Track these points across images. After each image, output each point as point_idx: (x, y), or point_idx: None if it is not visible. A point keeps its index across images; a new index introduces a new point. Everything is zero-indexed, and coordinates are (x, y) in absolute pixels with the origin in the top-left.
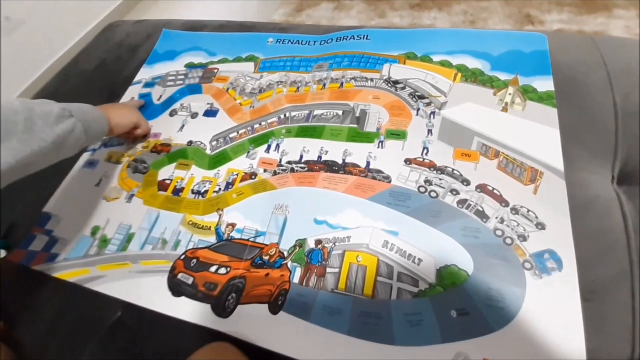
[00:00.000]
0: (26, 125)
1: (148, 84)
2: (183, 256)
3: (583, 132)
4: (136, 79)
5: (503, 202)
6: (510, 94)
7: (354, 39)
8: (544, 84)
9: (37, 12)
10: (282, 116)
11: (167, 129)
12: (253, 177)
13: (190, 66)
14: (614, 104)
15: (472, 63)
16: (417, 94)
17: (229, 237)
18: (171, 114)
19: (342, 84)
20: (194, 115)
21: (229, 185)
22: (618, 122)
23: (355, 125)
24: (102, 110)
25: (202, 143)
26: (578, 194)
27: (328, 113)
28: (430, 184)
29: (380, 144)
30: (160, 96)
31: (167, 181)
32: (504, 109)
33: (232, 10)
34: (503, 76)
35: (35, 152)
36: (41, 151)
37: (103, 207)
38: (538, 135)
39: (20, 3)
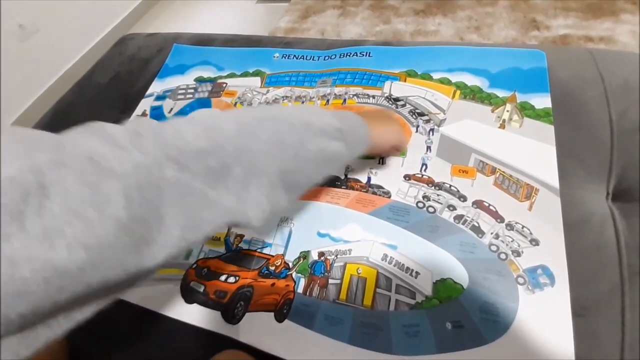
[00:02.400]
0: (295, 152)
1: (159, 97)
2: (195, 265)
3: (579, 149)
4: (148, 92)
5: (498, 218)
6: (508, 111)
7: (356, 55)
8: (542, 101)
9: (51, 20)
10: None
11: None
12: None
13: (199, 80)
14: (610, 121)
15: (471, 80)
16: (417, 111)
17: (238, 248)
18: None
19: (345, 100)
20: None
21: None
22: (614, 139)
23: None
24: (367, 124)
25: None
26: (572, 211)
27: None
28: (429, 199)
29: (380, 160)
30: (171, 109)
31: None
32: (502, 126)
33: (239, 17)
34: (501, 93)
35: (290, 188)
36: (296, 187)
37: None
38: (534, 152)
39: (34, 11)
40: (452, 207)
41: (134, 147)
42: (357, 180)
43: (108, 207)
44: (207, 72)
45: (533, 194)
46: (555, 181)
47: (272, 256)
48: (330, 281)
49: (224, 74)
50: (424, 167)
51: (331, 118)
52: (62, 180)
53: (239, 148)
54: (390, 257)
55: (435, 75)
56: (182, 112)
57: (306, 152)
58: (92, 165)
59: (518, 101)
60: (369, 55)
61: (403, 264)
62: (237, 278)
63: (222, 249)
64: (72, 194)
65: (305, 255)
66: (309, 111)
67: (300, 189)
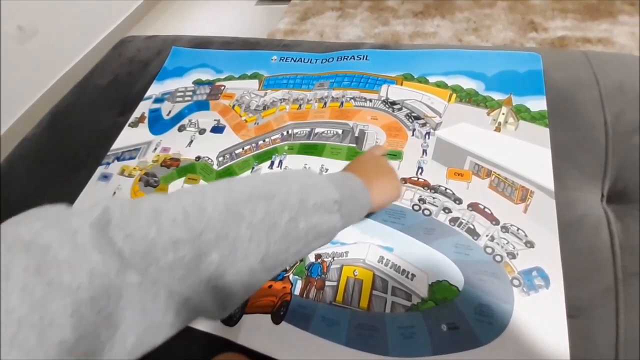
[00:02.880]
0: (283, 234)
1: (158, 100)
2: None
3: (574, 151)
4: (147, 94)
5: (494, 220)
6: (503, 114)
7: (354, 59)
8: (537, 103)
9: (50, 22)
10: (284, 133)
11: (176, 144)
12: None
13: (198, 83)
14: (604, 123)
15: (467, 83)
16: (413, 114)
17: None
18: (180, 130)
19: (342, 103)
20: (201, 132)
21: None
22: (609, 141)
23: (354, 145)
24: (367, 184)
25: (209, 159)
26: (567, 213)
27: (329, 132)
28: (424, 202)
29: None
30: (170, 112)
31: None
32: (497, 129)
33: (239, 18)
34: (497, 96)
35: (270, 273)
36: (276, 271)
37: None
38: (530, 154)
39: (33, 13)
40: (447, 210)
41: (93, 247)
42: None
43: (52, 330)
44: (206, 75)
45: (528, 196)
46: (550, 184)
47: None
48: (327, 283)
49: (222, 76)
50: (420, 170)
51: (330, 189)
52: (5, 296)
53: (220, 234)
54: (387, 259)
55: (432, 79)
56: (181, 115)
57: (297, 232)
58: (39, 278)
59: (514, 104)
60: (366, 59)
61: (399, 266)
62: None
63: None
64: (13, 315)
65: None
66: (308, 182)
67: (283, 267)
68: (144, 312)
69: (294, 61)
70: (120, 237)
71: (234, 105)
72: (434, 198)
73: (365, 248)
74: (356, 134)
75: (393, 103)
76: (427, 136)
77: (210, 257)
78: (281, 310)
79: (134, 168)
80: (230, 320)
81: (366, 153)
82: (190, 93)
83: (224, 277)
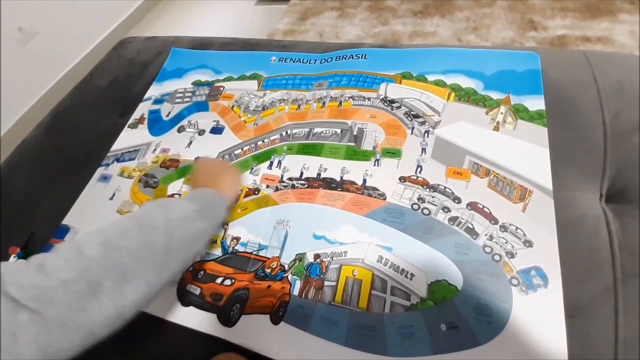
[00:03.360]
0: (165, 247)
1: (157, 101)
2: (191, 268)
3: (573, 151)
4: (146, 95)
5: (493, 219)
6: (502, 113)
7: (352, 58)
8: (536, 103)
9: (50, 23)
10: (283, 133)
11: (175, 144)
12: (256, 192)
13: (197, 84)
14: (603, 123)
15: (465, 82)
16: (412, 113)
17: (234, 250)
18: (179, 130)
19: (340, 102)
20: (201, 132)
21: None
22: (607, 141)
23: (353, 144)
24: (215, 187)
25: None
26: (566, 212)
27: (327, 131)
28: (423, 201)
29: (376, 162)
30: (169, 113)
31: (176, 196)
32: (496, 128)
33: (239, 18)
34: (495, 95)
35: (168, 278)
36: (174, 274)
37: None
38: (528, 154)
39: (33, 14)
40: (446, 209)
41: None
42: (353, 183)
43: None
44: (205, 76)
45: (527, 195)
46: (548, 183)
47: (268, 258)
48: (326, 283)
49: (222, 77)
50: (419, 169)
51: (188, 204)
52: None
53: (106, 265)
54: (386, 259)
55: (431, 77)
56: (180, 116)
57: (175, 242)
58: None
59: (512, 103)
60: (364, 58)
61: (398, 266)
62: (233, 281)
63: (218, 252)
64: None
65: (301, 257)
66: (168, 206)
67: (179, 270)
68: (37, 343)
69: (293, 62)
70: (13, 289)
71: (233, 106)
72: (433, 197)
73: (364, 248)
74: (354, 133)
75: (392, 101)
76: (426, 134)
77: (105, 284)
78: (280, 311)
79: (134, 169)
80: (229, 321)
81: (199, 164)
82: (190, 94)
83: (125, 294)
